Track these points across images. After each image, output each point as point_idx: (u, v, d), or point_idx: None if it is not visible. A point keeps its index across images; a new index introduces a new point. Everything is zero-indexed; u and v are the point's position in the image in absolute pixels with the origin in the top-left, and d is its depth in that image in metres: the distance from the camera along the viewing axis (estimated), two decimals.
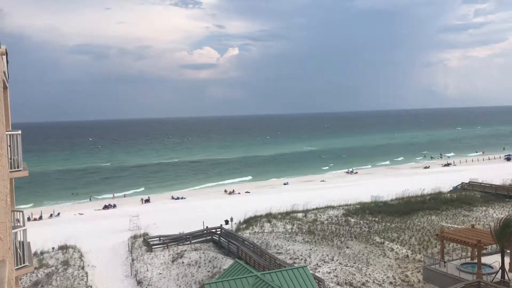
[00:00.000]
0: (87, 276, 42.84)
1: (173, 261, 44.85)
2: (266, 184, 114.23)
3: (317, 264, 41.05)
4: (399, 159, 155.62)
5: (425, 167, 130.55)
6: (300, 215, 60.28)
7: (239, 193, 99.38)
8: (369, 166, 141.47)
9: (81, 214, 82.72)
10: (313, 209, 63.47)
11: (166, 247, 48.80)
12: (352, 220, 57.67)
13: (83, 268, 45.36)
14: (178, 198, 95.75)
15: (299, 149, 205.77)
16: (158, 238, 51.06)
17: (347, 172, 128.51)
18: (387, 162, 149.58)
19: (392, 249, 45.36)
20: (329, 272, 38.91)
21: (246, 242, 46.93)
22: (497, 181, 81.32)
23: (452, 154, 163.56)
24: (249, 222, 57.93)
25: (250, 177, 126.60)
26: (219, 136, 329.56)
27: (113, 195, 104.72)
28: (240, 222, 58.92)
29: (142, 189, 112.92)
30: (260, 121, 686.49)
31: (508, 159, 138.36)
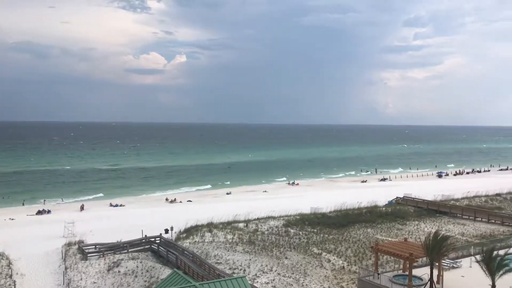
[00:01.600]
0: (14, 286, 40.31)
1: (108, 270, 43.19)
2: (208, 193, 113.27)
3: (256, 274, 40.90)
4: (340, 174, 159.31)
5: (363, 181, 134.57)
6: (241, 225, 60.05)
7: (180, 202, 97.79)
8: (310, 178, 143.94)
9: (12, 219, 78.06)
10: (255, 219, 63.45)
11: (102, 256, 46.94)
12: (292, 231, 58.14)
13: (10, 276, 42.66)
14: (116, 206, 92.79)
15: (244, 159, 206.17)
16: (93, 246, 49.04)
17: (288, 183, 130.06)
18: (327, 175, 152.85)
19: (329, 260, 46.07)
20: (267, 283, 38.86)
21: (185, 252, 46.05)
22: (429, 196, 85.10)
23: (386, 170, 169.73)
24: (190, 231, 56.99)
25: (192, 186, 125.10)
26: (166, 143, 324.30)
27: (44, 200, 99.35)
28: (180, 231, 57.82)
29: (81, 195, 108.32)
30: (207, 129, 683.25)
31: (439, 176, 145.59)
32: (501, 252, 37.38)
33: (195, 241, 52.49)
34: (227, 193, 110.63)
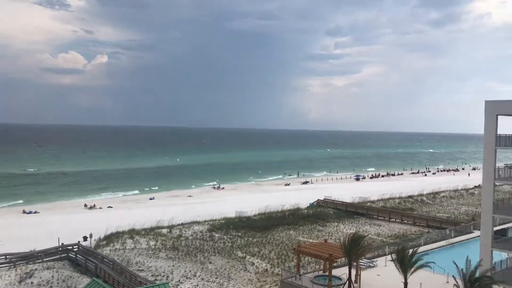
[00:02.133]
0: None
1: (20, 282, 40.32)
2: (132, 199, 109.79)
3: (179, 280, 40.18)
4: (266, 178, 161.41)
5: (286, 184, 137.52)
6: (164, 231, 58.83)
7: (100, 208, 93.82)
8: (237, 182, 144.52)
9: None
10: (179, 225, 62.46)
11: (13, 266, 43.75)
12: (217, 235, 57.95)
13: None
14: (30, 213, 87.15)
15: (172, 163, 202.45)
16: (4, 257, 45.57)
17: (214, 187, 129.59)
18: (254, 179, 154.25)
19: (253, 263, 46.38)
20: None
21: (105, 260, 44.20)
22: (347, 199, 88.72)
23: (310, 173, 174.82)
24: (110, 238, 54.82)
25: (118, 191, 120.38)
26: (88, 146, 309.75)
27: None
28: (100, 238, 55.44)
29: None
30: (131, 132, 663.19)
31: (357, 179, 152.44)
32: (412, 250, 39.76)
33: (116, 248, 50.58)
34: (150, 198, 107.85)
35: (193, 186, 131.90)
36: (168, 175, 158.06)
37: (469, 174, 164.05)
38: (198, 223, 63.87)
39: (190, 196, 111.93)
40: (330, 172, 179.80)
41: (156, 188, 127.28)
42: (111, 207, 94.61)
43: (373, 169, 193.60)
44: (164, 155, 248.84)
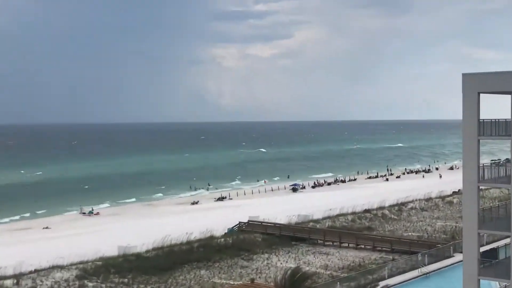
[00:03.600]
0: None
1: None
2: None
3: None
4: (160, 194, 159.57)
5: (193, 203, 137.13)
6: (8, 283, 56.29)
7: None
8: (117, 204, 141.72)
9: None
10: (31, 272, 60.17)
11: None
12: (90, 284, 56.69)
13: None
14: None
15: (13, 179, 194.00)
16: None
17: (83, 213, 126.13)
18: (142, 197, 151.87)
19: None
20: None
21: None
22: (281, 218, 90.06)
23: (225, 185, 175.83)
24: None
25: None
26: None
27: None
28: None
29: None
30: None
31: (294, 189, 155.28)
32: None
33: None
34: None
35: (47, 213, 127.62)
36: (10, 197, 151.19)
37: (440, 176, 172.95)
38: (61, 268, 61.83)
39: (47, 227, 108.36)
40: (257, 181, 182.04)
41: None
42: None
43: (318, 175, 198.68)
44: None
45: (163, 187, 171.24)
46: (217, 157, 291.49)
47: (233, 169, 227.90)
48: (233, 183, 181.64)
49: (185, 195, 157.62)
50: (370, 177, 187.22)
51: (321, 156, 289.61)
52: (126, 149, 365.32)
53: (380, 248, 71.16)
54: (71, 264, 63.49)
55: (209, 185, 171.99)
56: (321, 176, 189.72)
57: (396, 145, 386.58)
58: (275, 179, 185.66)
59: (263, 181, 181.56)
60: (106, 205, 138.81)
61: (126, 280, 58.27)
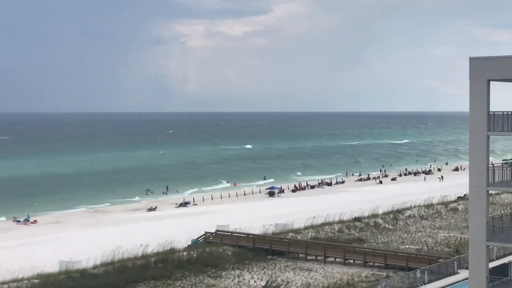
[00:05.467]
0: None
1: None
2: None
3: None
4: (107, 200, 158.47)
5: (150, 209, 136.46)
6: None
7: None
8: (58, 209, 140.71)
9: None
10: None
11: None
12: None
13: None
14: None
15: None
16: None
17: (18, 221, 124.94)
18: (87, 203, 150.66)
19: None
20: None
21: None
22: (256, 228, 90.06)
23: (188, 187, 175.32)
24: None
25: None
26: None
27: None
28: None
29: None
30: None
31: (271, 193, 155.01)
32: None
33: None
34: None
35: None
36: None
37: (442, 178, 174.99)
38: None
39: None
40: (227, 183, 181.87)
41: None
42: None
43: (299, 174, 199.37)
44: None
45: (114, 190, 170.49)
46: (178, 154, 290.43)
47: (199, 169, 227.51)
48: (198, 186, 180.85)
49: (141, 199, 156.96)
50: (361, 179, 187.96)
51: (300, 154, 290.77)
52: (73, 144, 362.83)
53: (372, 264, 71.49)
54: (2, 283, 62.92)
55: (167, 189, 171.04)
56: (306, 179, 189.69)
57: (403, 141, 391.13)
58: (257, 182, 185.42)
59: (233, 183, 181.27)
60: (46, 211, 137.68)
61: None
